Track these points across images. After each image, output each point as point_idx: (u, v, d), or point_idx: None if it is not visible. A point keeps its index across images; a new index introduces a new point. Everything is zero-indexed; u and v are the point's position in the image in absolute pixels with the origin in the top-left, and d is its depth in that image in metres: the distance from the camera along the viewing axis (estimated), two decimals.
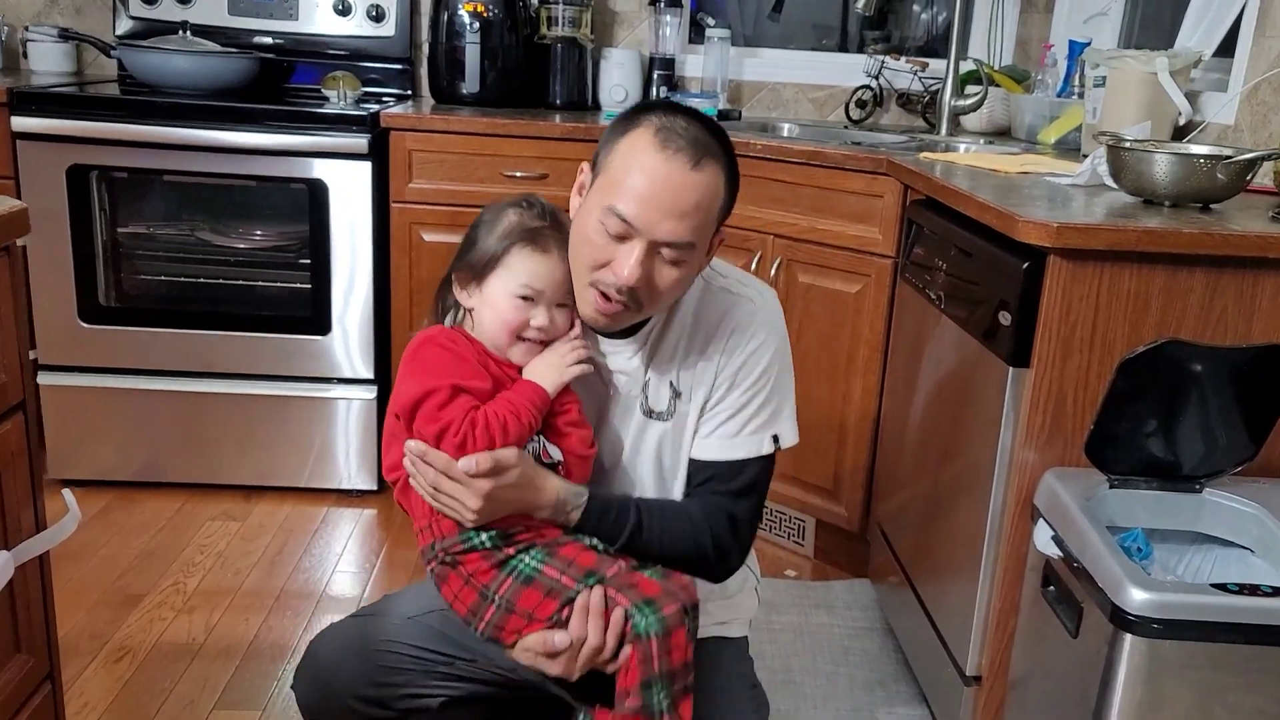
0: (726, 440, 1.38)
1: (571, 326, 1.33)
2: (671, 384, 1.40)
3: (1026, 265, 1.54)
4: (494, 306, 1.30)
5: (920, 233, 2.06)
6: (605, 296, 1.26)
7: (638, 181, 1.21)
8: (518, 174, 2.57)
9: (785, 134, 2.93)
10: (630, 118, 1.27)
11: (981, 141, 2.69)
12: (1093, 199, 1.75)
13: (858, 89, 3.08)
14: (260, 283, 2.73)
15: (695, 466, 1.39)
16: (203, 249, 2.72)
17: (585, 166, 1.34)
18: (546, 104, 2.97)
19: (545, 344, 1.32)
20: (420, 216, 2.62)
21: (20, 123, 2.46)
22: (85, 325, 2.60)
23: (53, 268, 2.56)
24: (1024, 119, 2.77)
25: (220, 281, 2.73)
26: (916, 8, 3.45)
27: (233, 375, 2.67)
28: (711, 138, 1.25)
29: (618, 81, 3.00)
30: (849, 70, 3.12)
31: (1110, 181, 1.77)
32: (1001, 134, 2.91)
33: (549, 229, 1.31)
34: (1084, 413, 1.55)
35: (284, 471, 2.74)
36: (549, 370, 1.31)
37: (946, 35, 3.40)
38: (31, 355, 2.59)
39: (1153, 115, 2.14)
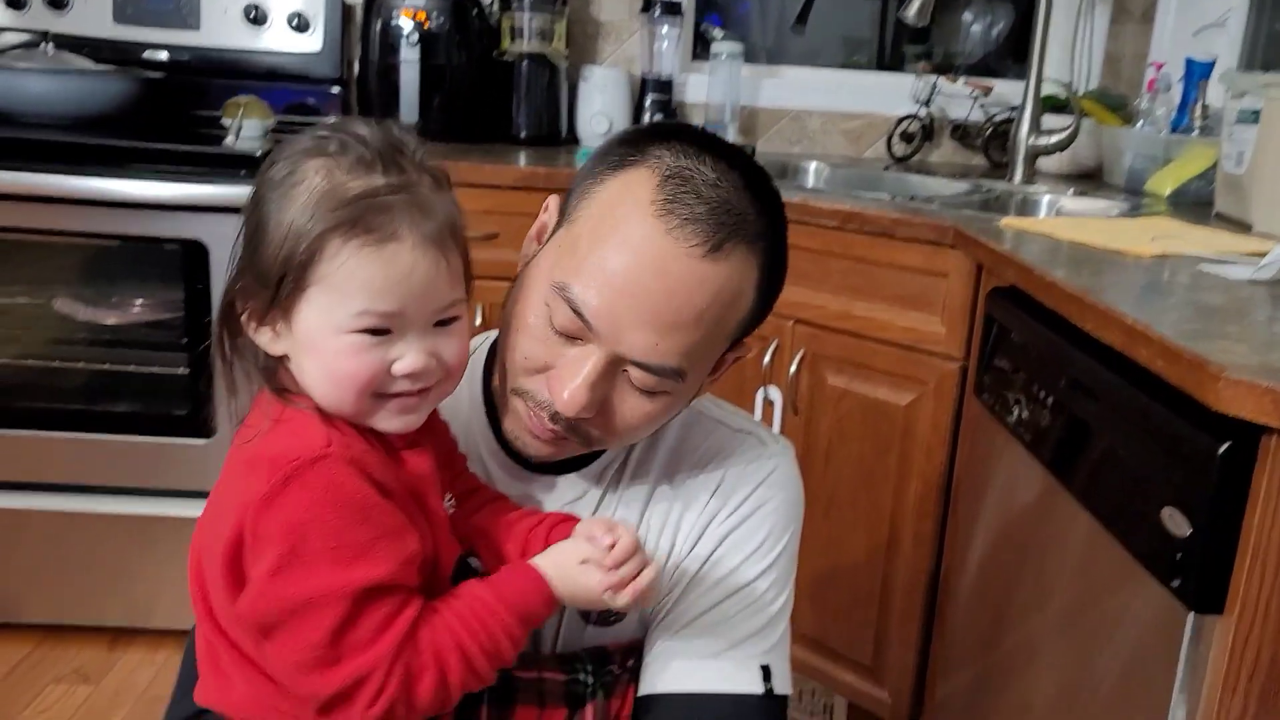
0: (694, 661, 0.91)
1: (464, 351, 0.80)
2: None
3: (1226, 449, 0.90)
4: (320, 353, 0.75)
5: (1004, 338, 1.43)
6: (536, 414, 0.85)
7: (613, 259, 0.79)
8: None
9: (810, 179, 2.30)
10: (632, 144, 0.85)
11: (1069, 192, 2.05)
12: None
13: (903, 119, 2.45)
14: (132, 367, 2.12)
15: (643, 707, 0.92)
16: (61, 325, 2.12)
17: (551, 203, 0.91)
18: (508, 138, 2.35)
19: (426, 393, 0.77)
20: None
21: None
22: None
23: None
24: (1122, 160, 2.13)
25: (81, 366, 2.12)
26: (968, 16, 2.82)
27: (100, 489, 2.07)
28: (751, 201, 0.82)
29: (599, 109, 2.38)
30: (890, 94, 2.48)
31: None
32: (1088, 178, 2.27)
33: (390, 190, 0.73)
34: None
35: (161, 610, 2.12)
36: (568, 572, 0.78)
37: (1007, 50, 2.77)
38: None
39: None
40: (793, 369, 1.79)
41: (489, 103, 2.33)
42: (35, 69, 2.12)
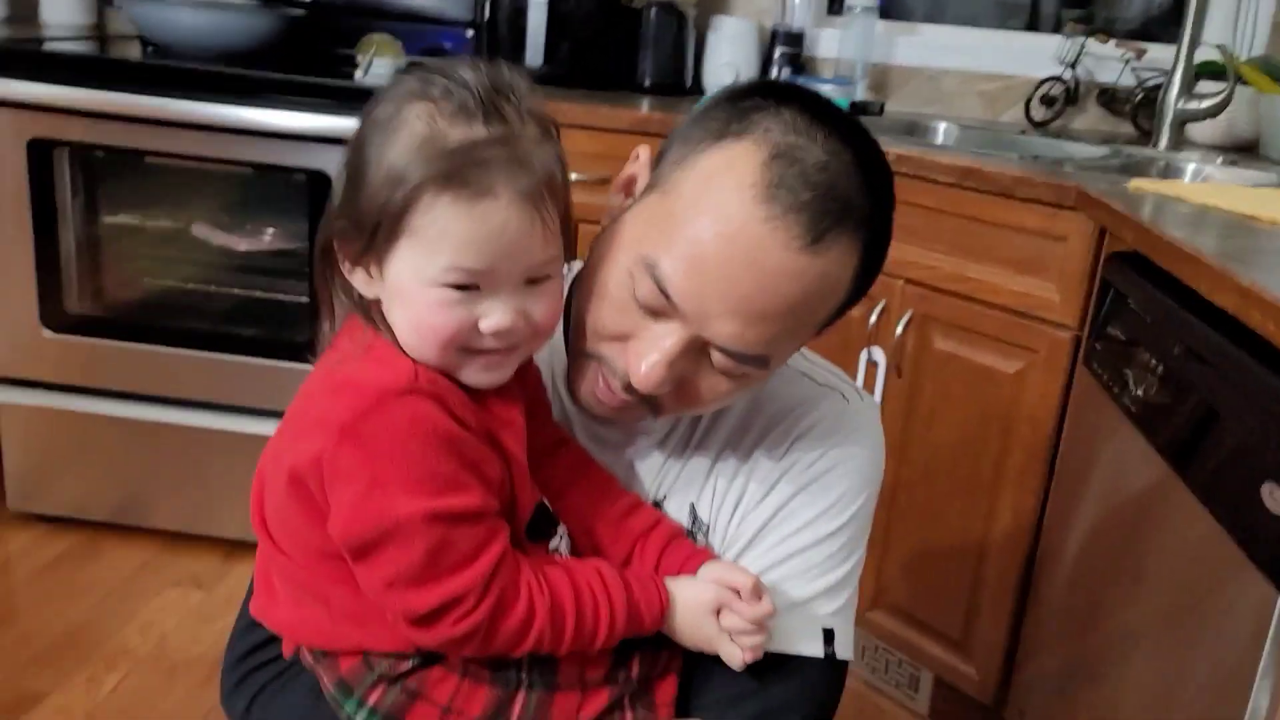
0: None
1: (556, 310, 0.78)
2: (692, 508, 0.93)
3: None
4: (409, 303, 0.74)
5: (1121, 304, 1.35)
6: (608, 382, 0.82)
7: (707, 242, 0.75)
8: (571, 175, 1.96)
9: (939, 139, 2.22)
10: (738, 110, 0.78)
11: (1218, 161, 1.91)
12: None
13: (1044, 80, 2.33)
14: (258, 293, 2.21)
15: (696, 660, 0.88)
16: (197, 249, 2.22)
17: (642, 153, 0.85)
18: (633, 85, 2.34)
19: (513, 350, 0.76)
20: None
21: None
22: (49, 334, 2.14)
23: (14, 261, 2.11)
24: None
25: (214, 289, 2.23)
26: None
27: (225, 408, 2.17)
28: (861, 183, 0.76)
29: (727, 60, 2.35)
30: (1033, 55, 2.36)
31: None
32: (1244, 150, 2.12)
33: (490, 143, 0.70)
34: None
35: None
36: (695, 617, 0.82)
37: (1171, 16, 2.60)
38: None
39: None
40: (899, 330, 1.73)
41: (615, 50, 2.32)
42: (188, 3, 2.22)
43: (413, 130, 0.71)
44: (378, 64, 2.16)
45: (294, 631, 0.85)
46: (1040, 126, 2.33)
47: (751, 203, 0.74)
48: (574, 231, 0.79)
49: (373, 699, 0.80)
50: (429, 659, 0.79)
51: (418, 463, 0.72)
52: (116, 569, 2.13)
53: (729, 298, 0.75)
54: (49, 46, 2.16)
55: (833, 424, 0.92)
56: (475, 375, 0.76)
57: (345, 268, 0.76)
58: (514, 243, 0.71)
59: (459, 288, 0.72)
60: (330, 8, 2.47)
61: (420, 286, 0.72)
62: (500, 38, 2.29)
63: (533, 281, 0.74)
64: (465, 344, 0.74)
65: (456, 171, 0.69)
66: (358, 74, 2.08)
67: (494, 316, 0.73)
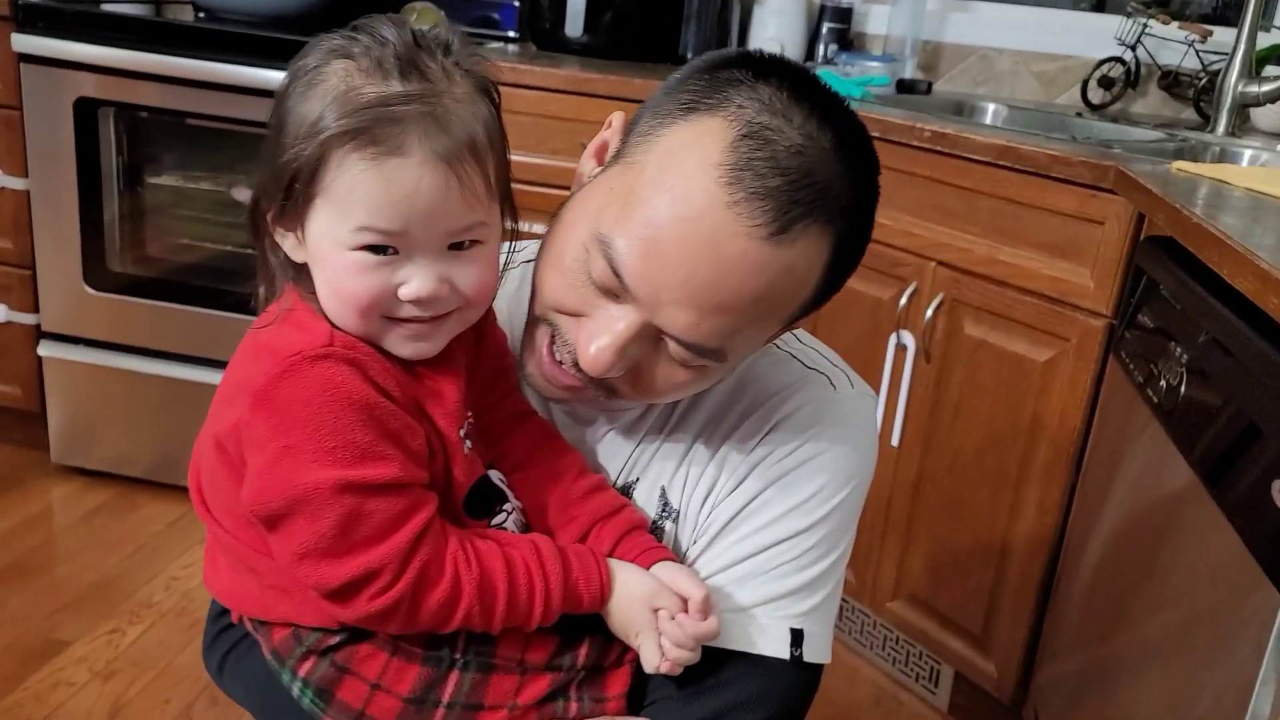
0: (720, 614, 0.81)
1: (487, 279, 0.75)
2: (663, 492, 0.88)
3: None
4: (326, 267, 0.71)
5: (1153, 291, 1.29)
6: (556, 359, 0.78)
7: (664, 224, 0.70)
8: None
9: (987, 120, 2.14)
10: (710, 82, 0.73)
11: (1279, 148, 1.82)
12: None
13: (1103, 62, 2.24)
14: None
15: None
16: (237, 212, 2.25)
17: (616, 120, 0.80)
18: (674, 58, 2.30)
19: (441, 320, 0.73)
20: None
21: (22, 42, 2.04)
22: (91, 292, 2.18)
23: (59, 220, 2.15)
24: None
25: (250, 252, 2.24)
26: None
27: None
28: (840, 170, 0.71)
29: (772, 34, 2.30)
30: (1094, 35, 2.27)
31: None
32: None
33: (405, 99, 0.67)
34: None
35: None
36: (633, 606, 0.79)
37: None
38: (32, 320, 2.21)
39: None
40: (929, 313, 1.68)
41: (657, 22, 2.28)
42: None
43: (328, 86, 0.68)
44: None
45: (232, 601, 0.85)
46: (1097, 109, 2.25)
47: (715, 185, 0.68)
48: (509, 201, 0.76)
49: (303, 670, 0.78)
50: (357, 634, 0.77)
51: (331, 430, 0.69)
52: (149, 524, 2.17)
53: (685, 285, 0.70)
54: (105, 8, 2.20)
55: (813, 413, 0.86)
56: (400, 345, 0.73)
57: (276, 232, 0.73)
58: (429, 205, 0.68)
59: (375, 250, 0.69)
60: None
61: (336, 250, 0.69)
62: (541, 7, 2.27)
63: (456, 247, 0.71)
64: (386, 311, 0.71)
65: (366, 128, 0.66)
66: None
67: (414, 283, 0.69)
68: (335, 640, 0.78)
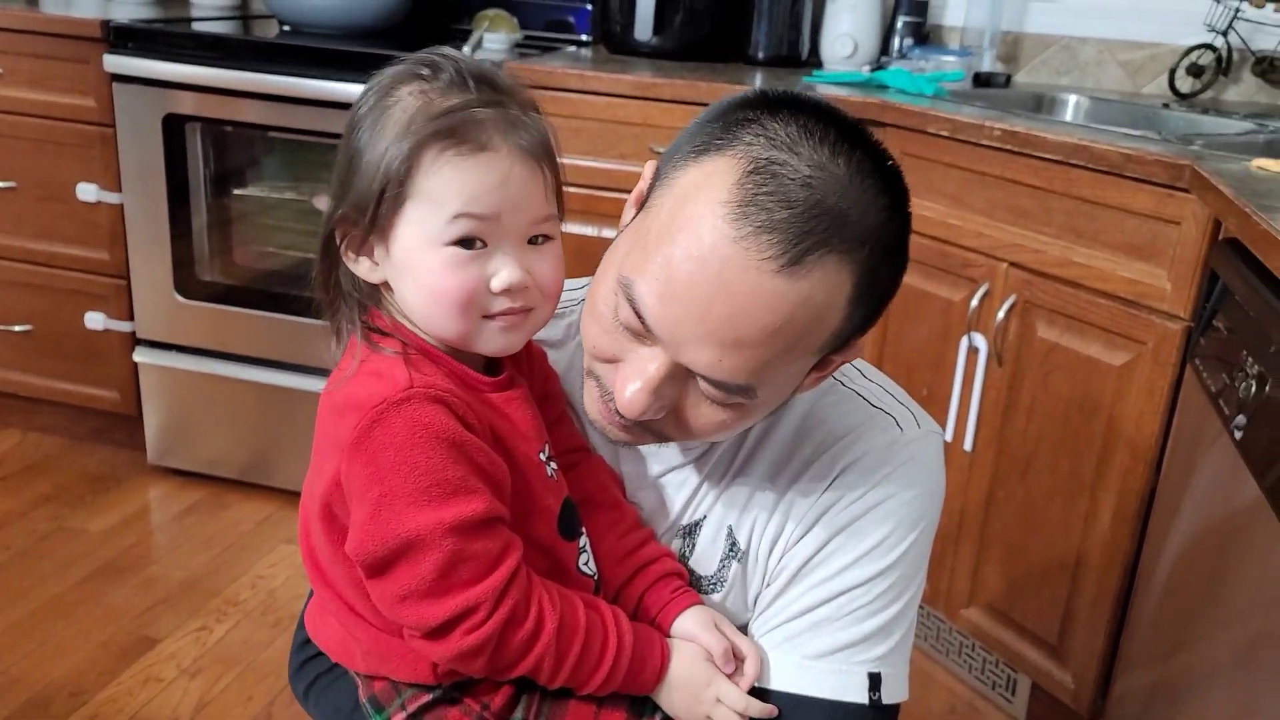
0: (795, 659, 0.84)
1: (559, 273, 0.81)
2: (730, 532, 0.89)
3: None
4: (418, 272, 0.75)
5: (1227, 296, 1.23)
6: (609, 406, 0.79)
7: (677, 264, 0.71)
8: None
9: (1068, 113, 2.08)
10: (723, 124, 0.73)
11: None
12: None
13: (1192, 49, 2.15)
14: None
15: None
16: (316, 219, 2.31)
17: (647, 169, 0.81)
18: (745, 58, 2.29)
19: (526, 313, 0.78)
20: None
21: (114, 62, 2.13)
22: (181, 300, 2.27)
23: (151, 232, 2.24)
24: None
25: None
26: None
27: None
28: (857, 198, 0.70)
29: (846, 30, 2.26)
30: (1183, 22, 2.18)
31: None
32: None
33: (483, 104, 0.74)
34: None
35: None
36: (688, 691, 0.83)
37: None
38: (128, 328, 2.31)
39: None
40: (1000, 315, 1.64)
41: (728, 21, 2.27)
42: None
43: (405, 105, 0.73)
44: (490, 39, 2.19)
45: (338, 657, 0.90)
46: (1186, 99, 2.16)
47: (722, 222, 0.69)
48: (563, 208, 0.81)
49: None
50: (449, 697, 0.82)
51: (424, 470, 0.72)
52: (238, 524, 2.25)
53: (703, 323, 0.70)
54: (195, 27, 2.28)
55: (880, 458, 0.85)
56: (493, 339, 0.77)
57: (349, 259, 0.78)
58: (518, 193, 0.74)
59: (466, 245, 0.73)
60: None
61: (428, 250, 0.73)
62: (611, 11, 2.27)
63: (534, 241, 0.77)
64: (479, 306, 0.75)
65: (455, 128, 0.72)
66: (465, 49, 2.11)
67: (505, 272, 0.74)
68: (428, 699, 0.82)
